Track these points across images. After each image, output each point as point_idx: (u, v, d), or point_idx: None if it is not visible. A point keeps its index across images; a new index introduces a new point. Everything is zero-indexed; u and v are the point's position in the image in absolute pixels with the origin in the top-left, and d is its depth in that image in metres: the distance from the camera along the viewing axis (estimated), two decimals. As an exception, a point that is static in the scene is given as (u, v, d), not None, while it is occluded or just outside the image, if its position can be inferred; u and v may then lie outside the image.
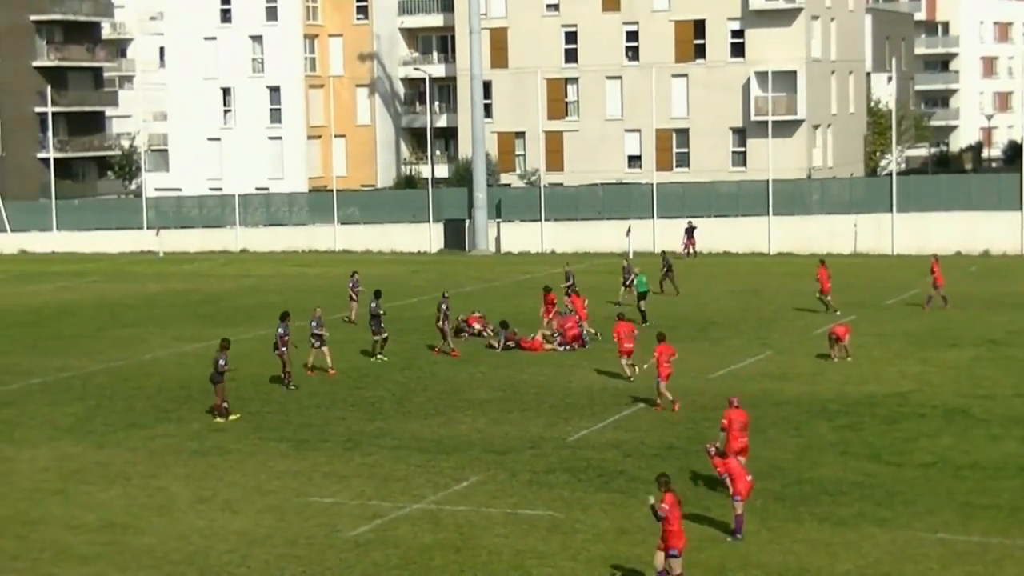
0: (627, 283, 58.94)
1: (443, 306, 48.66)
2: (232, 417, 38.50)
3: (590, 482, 30.92)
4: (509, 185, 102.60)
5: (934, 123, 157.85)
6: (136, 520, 28.90)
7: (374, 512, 29.00)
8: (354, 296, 57.00)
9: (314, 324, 44.82)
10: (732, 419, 30.59)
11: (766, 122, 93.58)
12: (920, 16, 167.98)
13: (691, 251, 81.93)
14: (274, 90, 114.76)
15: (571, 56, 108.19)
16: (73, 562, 26.36)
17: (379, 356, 47.96)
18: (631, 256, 69.31)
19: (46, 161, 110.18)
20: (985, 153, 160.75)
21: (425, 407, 39.70)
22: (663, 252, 69.50)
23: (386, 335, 48.32)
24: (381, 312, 48.13)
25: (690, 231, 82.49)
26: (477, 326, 52.71)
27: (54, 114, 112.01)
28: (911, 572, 24.71)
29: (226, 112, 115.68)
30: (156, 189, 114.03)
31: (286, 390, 42.51)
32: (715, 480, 30.60)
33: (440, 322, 48.66)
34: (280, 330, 42.93)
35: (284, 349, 42.78)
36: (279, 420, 38.32)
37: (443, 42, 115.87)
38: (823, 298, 56.68)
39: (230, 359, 38.81)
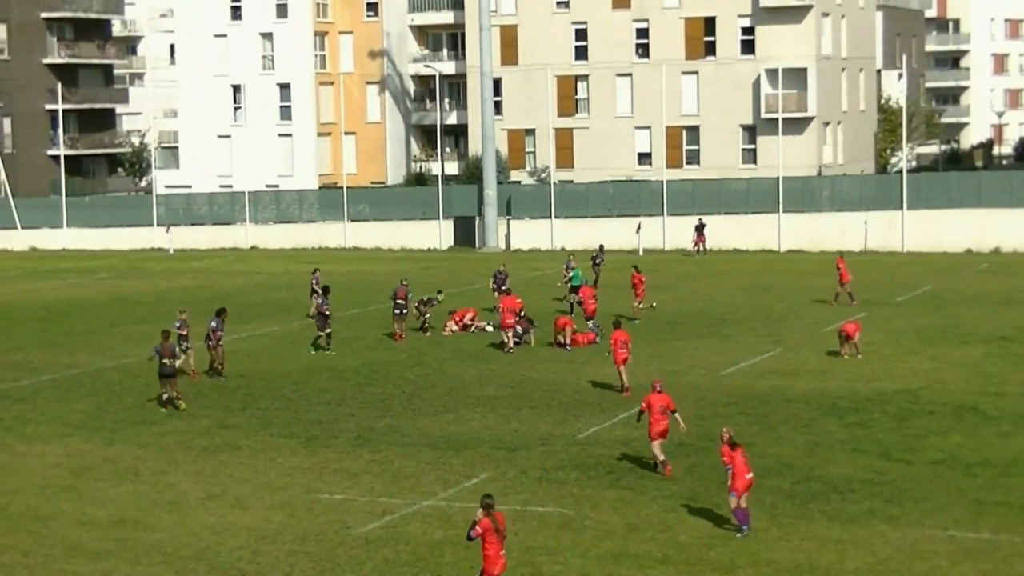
0: (565, 280, 59.51)
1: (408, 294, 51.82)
2: (182, 406, 39.53)
3: (600, 479, 30.94)
4: (519, 182, 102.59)
5: (945, 120, 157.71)
6: (146, 516, 28.95)
7: (384, 509, 29.03)
8: (317, 292, 57.23)
9: (177, 325, 44.08)
10: (651, 403, 31.21)
11: (776, 119, 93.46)
12: (931, 13, 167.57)
13: (701, 248, 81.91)
14: (284, 87, 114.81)
15: (581, 53, 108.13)
16: (84, 558, 26.41)
17: (327, 351, 48.57)
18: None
19: (57, 158, 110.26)
20: (996, 150, 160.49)
21: (435, 404, 39.73)
22: (600, 245, 69.67)
23: (330, 331, 49.07)
24: (326, 311, 49.14)
25: (700, 228, 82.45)
26: (468, 320, 53.18)
27: (65, 111, 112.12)
28: (921, 569, 24.70)
29: (236, 109, 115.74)
30: (166, 186, 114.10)
31: (213, 379, 43.94)
32: (725, 478, 30.61)
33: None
34: (213, 324, 44.52)
35: (213, 343, 44.40)
36: (289, 417, 38.37)
37: (453, 39, 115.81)
38: (845, 289, 57.33)
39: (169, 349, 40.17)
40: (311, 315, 56.91)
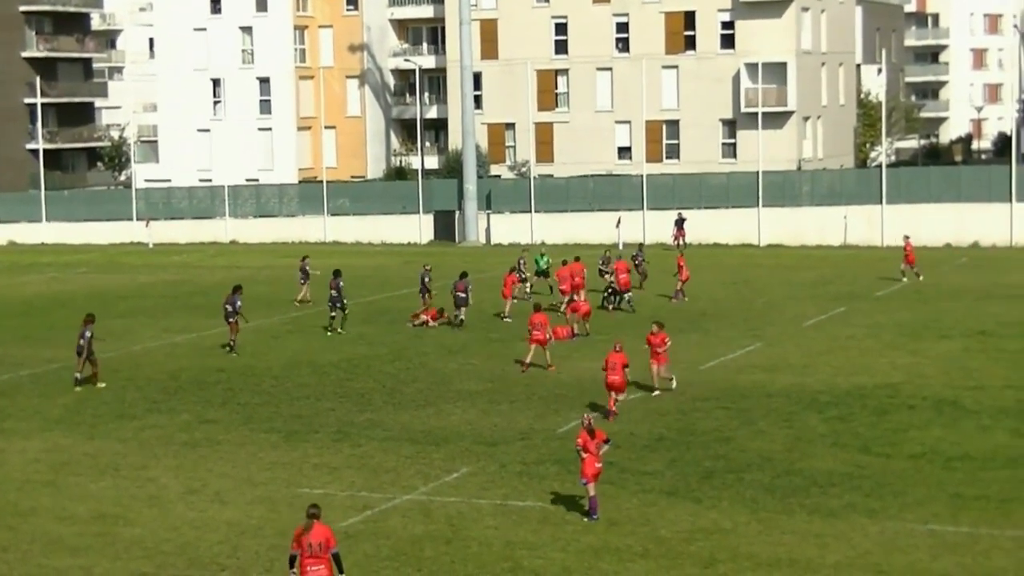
0: (523, 277, 60.64)
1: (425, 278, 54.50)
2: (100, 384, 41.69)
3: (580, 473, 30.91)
4: (499, 176, 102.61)
5: (924, 115, 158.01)
6: (126, 511, 28.89)
7: (364, 503, 29.01)
8: (305, 279, 59.83)
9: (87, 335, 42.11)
10: (608, 360, 35.78)
11: (756, 114, 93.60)
12: (910, 8, 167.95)
13: (681, 243, 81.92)
14: (264, 81, 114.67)
15: (561, 48, 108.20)
16: (64, 553, 26.34)
17: (339, 330, 51.25)
18: (621, 247, 70.30)
19: (35, 152, 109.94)
20: (975, 145, 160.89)
21: (415, 398, 39.71)
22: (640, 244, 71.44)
23: (345, 312, 51.89)
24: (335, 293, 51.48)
25: (680, 223, 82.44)
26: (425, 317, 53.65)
27: (43, 105, 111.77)
28: (901, 563, 24.74)
29: (216, 103, 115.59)
30: (146, 180, 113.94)
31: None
32: (706, 472, 30.67)
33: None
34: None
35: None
36: (269, 411, 38.32)
37: (433, 33, 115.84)
38: (909, 269, 63.05)
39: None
40: (301, 300, 59.15)
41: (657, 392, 38.90)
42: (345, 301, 51.72)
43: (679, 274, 58.84)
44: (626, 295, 55.63)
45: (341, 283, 51.33)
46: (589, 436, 27.69)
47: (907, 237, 65.66)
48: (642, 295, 59.05)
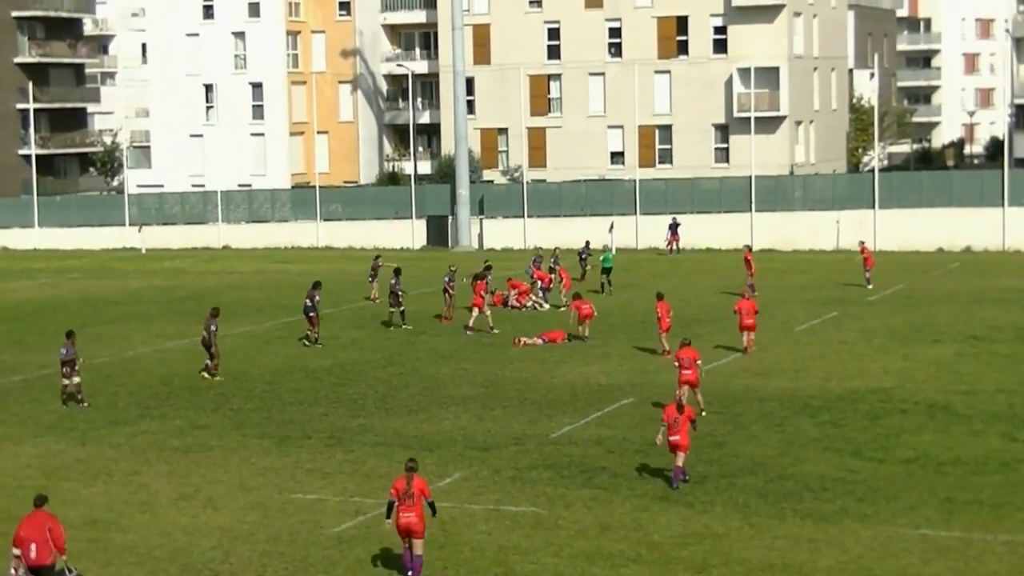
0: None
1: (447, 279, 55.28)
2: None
3: (573, 478, 30.94)
4: (492, 181, 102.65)
5: (916, 119, 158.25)
6: (119, 517, 28.86)
7: (357, 508, 28.99)
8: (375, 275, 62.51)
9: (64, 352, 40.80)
10: (683, 358, 36.11)
11: (749, 118, 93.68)
12: (902, 13, 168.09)
13: (675, 247, 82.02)
14: (257, 86, 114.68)
15: (554, 52, 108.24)
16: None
17: (404, 325, 53.07)
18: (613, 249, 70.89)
19: (28, 158, 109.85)
20: (967, 149, 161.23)
21: (408, 404, 39.70)
22: (587, 241, 73.22)
23: (402, 308, 53.71)
24: (399, 291, 53.38)
25: (674, 227, 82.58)
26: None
27: (36, 110, 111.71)
28: (893, 568, 24.75)
29: (208, 108, 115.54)
30: (138, 186, 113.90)
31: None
32: (698, 476, 30.67)
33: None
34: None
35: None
36: (261, 417, 38.29)
37: (426, 38, 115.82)
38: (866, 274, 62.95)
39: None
40: (371, 298, 61.72)
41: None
42: (401, 297, 53.67)
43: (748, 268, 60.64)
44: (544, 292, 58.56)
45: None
46: (678, 412, 29.84)
47: (863, 243, 67.05)
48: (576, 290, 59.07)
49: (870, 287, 62.17)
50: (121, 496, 30.47)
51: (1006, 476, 30.41)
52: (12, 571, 23.27)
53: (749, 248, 66.22)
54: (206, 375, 43.75)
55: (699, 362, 36.45)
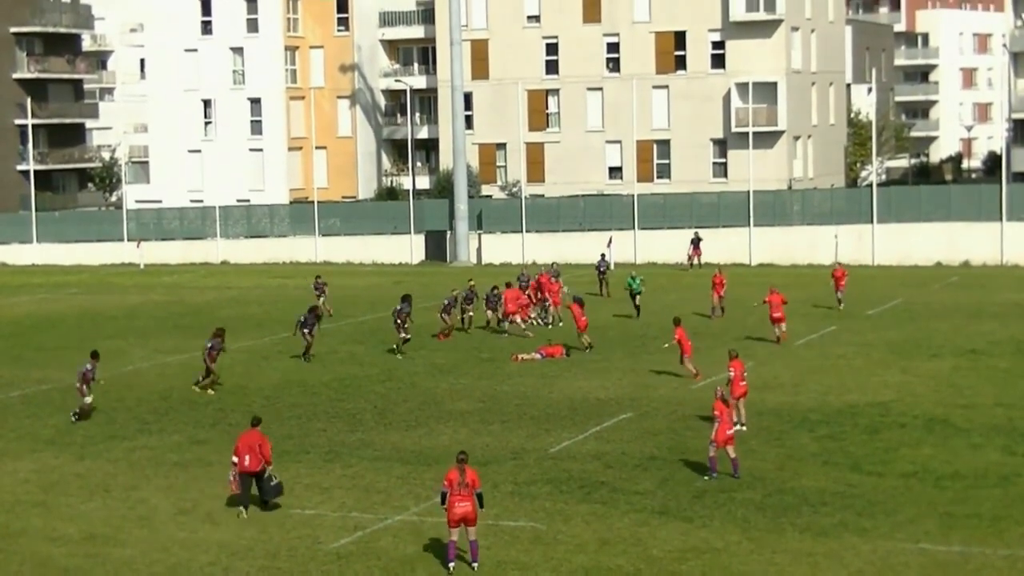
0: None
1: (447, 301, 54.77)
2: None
3: (572, 493, 30.93)
4: (490, 196, 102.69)
5: (914, 134, 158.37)
6: (117, 532, 28.84)
7: (356, 524, 28.98)
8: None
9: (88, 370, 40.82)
10: (738, 370, 36.55)
11: (747, 133, 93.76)
12: (900, 27, 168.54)
13: (696, 262, 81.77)
14: (255, 102, 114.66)
15: (552, 67, 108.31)
16: (55, 574, 26.29)
17: (399, 353, 50.91)
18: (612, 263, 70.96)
19: (26, 173, 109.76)
20: (965, 164, 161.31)
21: (406, 418, 39.68)
22: (603, 254, 72.30)
23: (407, 337, 51.37)
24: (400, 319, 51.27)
25: (696, 242, 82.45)
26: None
27: (34, 126, 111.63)
28: (892, 582, 24.75)
29: (207, 124, 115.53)
30: (137, 201, 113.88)
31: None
32: (697, 491, 30.66)
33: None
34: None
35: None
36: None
37: (424, 54, 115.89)
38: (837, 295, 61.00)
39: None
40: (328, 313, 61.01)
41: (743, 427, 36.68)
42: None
43: (715, 290, 59.67)
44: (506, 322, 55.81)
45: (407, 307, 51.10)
46: (724, 405, 31.70)
47: (839, 264, 66.74)
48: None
49: (842, 307, 60.56)
50: (119, 511, 30.45)
51: (1005, 490, 30.40)
52: (231, 475, 29.92)
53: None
54: (198, 388, 44.31)
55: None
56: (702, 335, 54.05)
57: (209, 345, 44.30)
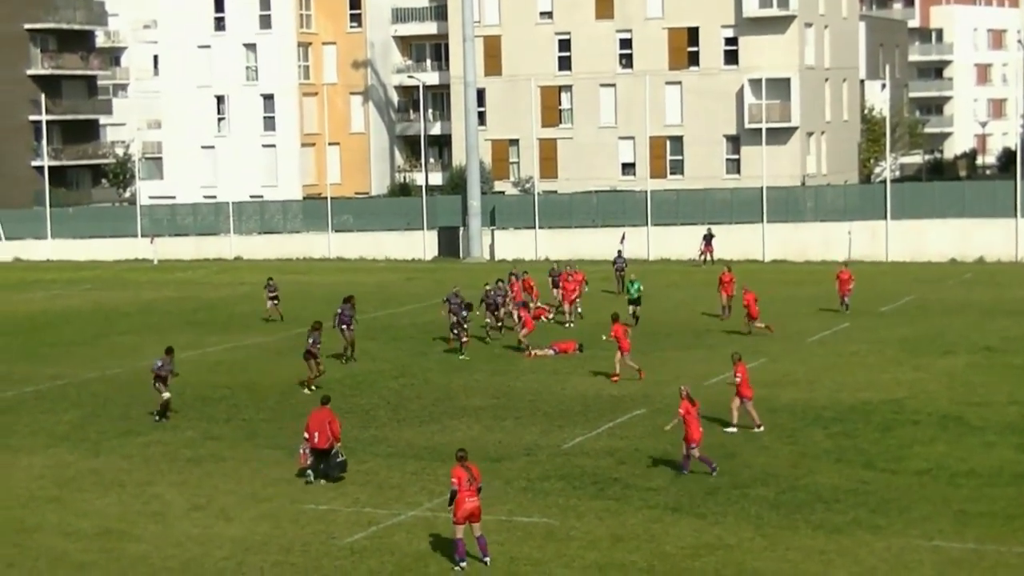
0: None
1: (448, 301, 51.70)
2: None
3: (585, 489, 30.94)
4: (503, 192, 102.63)
5: (928, 130, 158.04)
6: (131, 527, 28.90)
7: (369, 519, 29.01)
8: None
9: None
10: (739, 371, 36.26)
11: (760, 129, 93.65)
12: (914, 23, 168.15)
13: (708, 258, 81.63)
14: (268, 98, 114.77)
15: (565, 64, 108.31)
16: (69, 569, 26.36)
17: (461, 356, 49.27)
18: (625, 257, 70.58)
19: (40, 169, 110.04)
20: (979, 160, 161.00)
21: (419, 414, 39.72)
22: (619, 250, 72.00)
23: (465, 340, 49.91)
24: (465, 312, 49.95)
25: (708, 238, 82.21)
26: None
27: (48, 122, 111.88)
28: (906, 579, 24.75)
29: (220, 120, 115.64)
30: (150, 197, 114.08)
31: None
32: (710, 487, 30.66)
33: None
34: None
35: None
36: (273, 427, 38.32)
37: (437, 50, 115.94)
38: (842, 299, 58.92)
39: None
40: (273, 318, 59.89)
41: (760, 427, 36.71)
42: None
43: (723, 289, 57.53)
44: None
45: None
46: (690, 404, 31.73)
47: (845, 265, 63.61)
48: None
49: (847, 312, 58.75)
50: (134, 506, 30.52)
51: (1019, 488, 30.36)
52: (301, 450, 31.86)
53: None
54: (306, 390, 43.12)
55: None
56: (712, 333, 54.07)
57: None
